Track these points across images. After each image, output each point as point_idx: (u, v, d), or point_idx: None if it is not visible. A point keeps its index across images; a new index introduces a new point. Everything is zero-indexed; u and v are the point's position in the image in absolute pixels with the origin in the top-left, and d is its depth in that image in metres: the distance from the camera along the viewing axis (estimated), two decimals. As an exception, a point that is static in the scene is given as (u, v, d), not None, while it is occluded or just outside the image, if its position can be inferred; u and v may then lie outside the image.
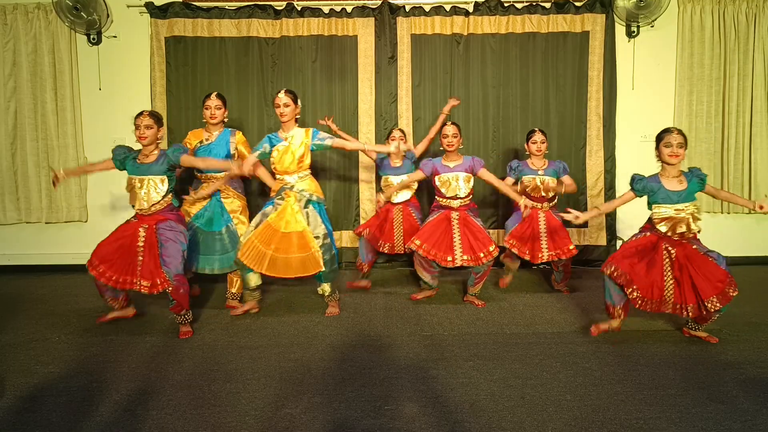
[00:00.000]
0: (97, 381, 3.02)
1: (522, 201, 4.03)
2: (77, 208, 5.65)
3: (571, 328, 3.83)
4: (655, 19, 5.51)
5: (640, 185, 3.48)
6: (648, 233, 3.50)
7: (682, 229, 3.37)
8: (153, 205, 3.70)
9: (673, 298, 3.38)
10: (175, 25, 5.51)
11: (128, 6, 5.51)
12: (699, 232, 3.45)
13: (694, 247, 3.42)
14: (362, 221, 5.48)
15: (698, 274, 3.33)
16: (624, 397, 2.78)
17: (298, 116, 4.07)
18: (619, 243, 5.68)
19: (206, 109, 4.22)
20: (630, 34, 5.61)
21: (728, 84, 5.62)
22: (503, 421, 2.56)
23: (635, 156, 5.64)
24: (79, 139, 5.60)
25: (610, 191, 5.63)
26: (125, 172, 3.79)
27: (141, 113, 3.71)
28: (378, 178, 5.14)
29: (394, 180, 4.70)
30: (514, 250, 4.50)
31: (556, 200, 4.68)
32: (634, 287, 3.35)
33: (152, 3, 5.48)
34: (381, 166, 4.83)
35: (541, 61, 5.60)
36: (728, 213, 5.79)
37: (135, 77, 5.55)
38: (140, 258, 3.67)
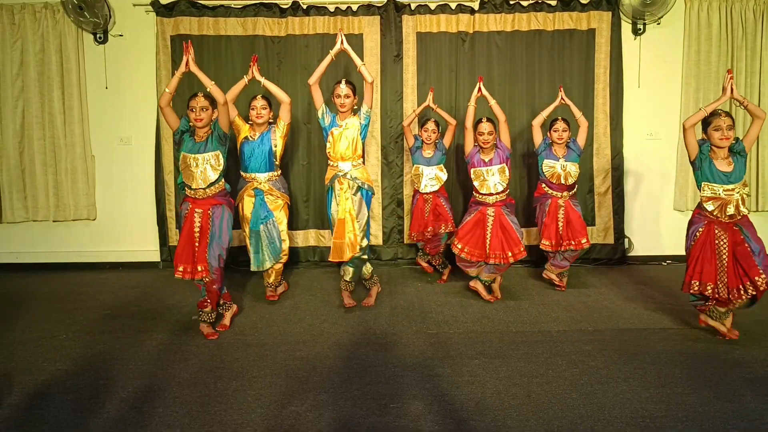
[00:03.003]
0: (104, 378, 3.04)
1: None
2: (85, 206, 5.67)
3: (577, 326, 3.83)
4: (662, 17, 5.47)
5: (705, 147, 3.50)
6: (701, 226, 3.50)
7: (731, 210, 3.39)
8: (210, 185, 3.63)
9: (728, 283, 3.42)
10: (180, 23, 5.51)
11: (134, 5, 5.52)
12: (748, 213, 3.48)
13: (743, 238, 3.42)
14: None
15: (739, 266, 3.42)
16: (630, 396, 2.77)
17: (355, 107, 4.13)
18: (626, 242, 5.67)
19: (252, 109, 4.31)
20: (636, 32, 5.58)
21: (735, 81, 5.54)
22: (509, 419, 2.56)
23: (642, 154, 5.63)
24: (86, 138, 5.61)
25: (618, 189, 5.59)
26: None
27: (196, 95, 3.61)
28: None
29: (425, 170, 4.80)
30: (551, 250, 4.56)
31: (575, 189, 4.68)
32: (709, 286, 3.42)
33: (158, 2, 5.48)
34: (414, 155, 4.91)
35: (548, 58, 5.57)
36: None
37: (141, 76, 5.56)
38: (196, 244, 3.62)
